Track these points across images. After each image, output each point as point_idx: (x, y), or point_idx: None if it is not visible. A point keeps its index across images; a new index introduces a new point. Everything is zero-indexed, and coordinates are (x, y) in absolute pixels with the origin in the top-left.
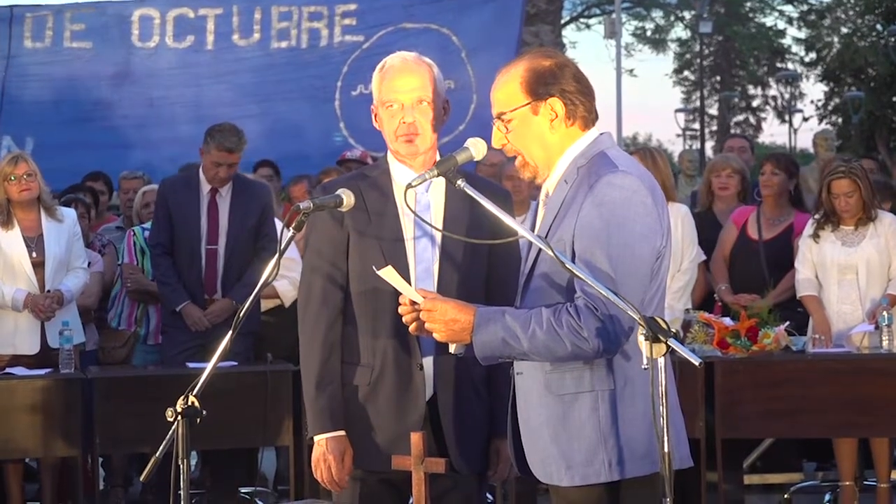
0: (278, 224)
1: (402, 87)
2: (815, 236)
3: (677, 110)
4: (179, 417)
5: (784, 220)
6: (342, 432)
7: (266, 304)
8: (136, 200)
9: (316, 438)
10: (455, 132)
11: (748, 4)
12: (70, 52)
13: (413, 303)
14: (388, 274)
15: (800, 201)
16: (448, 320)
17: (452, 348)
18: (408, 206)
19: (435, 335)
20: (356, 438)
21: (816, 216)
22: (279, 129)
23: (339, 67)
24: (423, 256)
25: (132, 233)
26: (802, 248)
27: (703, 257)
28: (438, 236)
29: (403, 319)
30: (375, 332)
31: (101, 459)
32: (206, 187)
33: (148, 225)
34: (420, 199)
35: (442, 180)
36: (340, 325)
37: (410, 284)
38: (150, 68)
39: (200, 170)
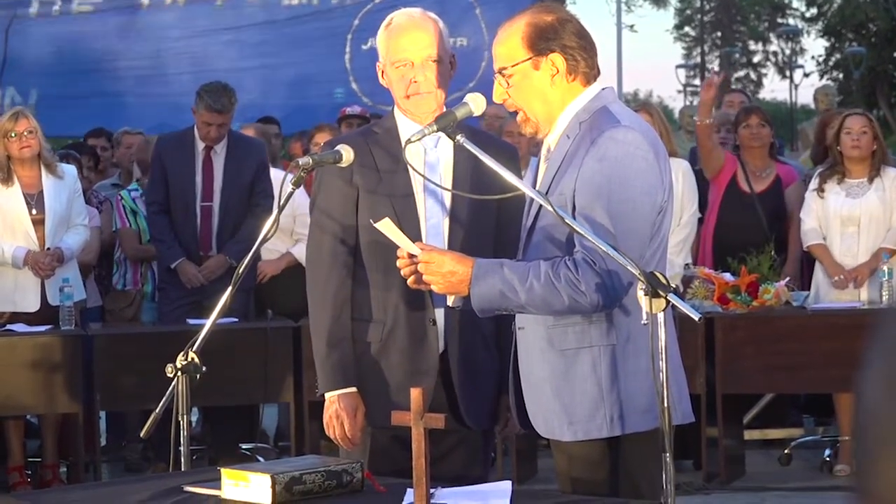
0: (276, 179)
1: (410, 45)
2: (820, 189)
3: (678, 66)
4: (179, 373)
5: (769, 172)
6: (354, 389)
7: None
8: (132, 156)
9: (328, 395)
10: (465, 88)
11: None
12: (76, 14)
13: (411, 255)
14: (386, 226)
15: (775, 152)
16: (446, 272)
17: (450, 300)
18: (407, 161)
19: (433, 287)
20: (368, 395)
21: (821, 169)
22: (285, 84)
23: (350, 21)
24: (433, 212)
25: (119, 197)
26: (808, 199)
27: (699, 215)
28: (448, 193)
29: (402, 272)
30: (387, 287)
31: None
32: (200, 144)
33: (132, 186)
34: (428, 155)
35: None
36: (350, 282)
37: (421, 240)
38: (156, 21)
39: (195, 127)
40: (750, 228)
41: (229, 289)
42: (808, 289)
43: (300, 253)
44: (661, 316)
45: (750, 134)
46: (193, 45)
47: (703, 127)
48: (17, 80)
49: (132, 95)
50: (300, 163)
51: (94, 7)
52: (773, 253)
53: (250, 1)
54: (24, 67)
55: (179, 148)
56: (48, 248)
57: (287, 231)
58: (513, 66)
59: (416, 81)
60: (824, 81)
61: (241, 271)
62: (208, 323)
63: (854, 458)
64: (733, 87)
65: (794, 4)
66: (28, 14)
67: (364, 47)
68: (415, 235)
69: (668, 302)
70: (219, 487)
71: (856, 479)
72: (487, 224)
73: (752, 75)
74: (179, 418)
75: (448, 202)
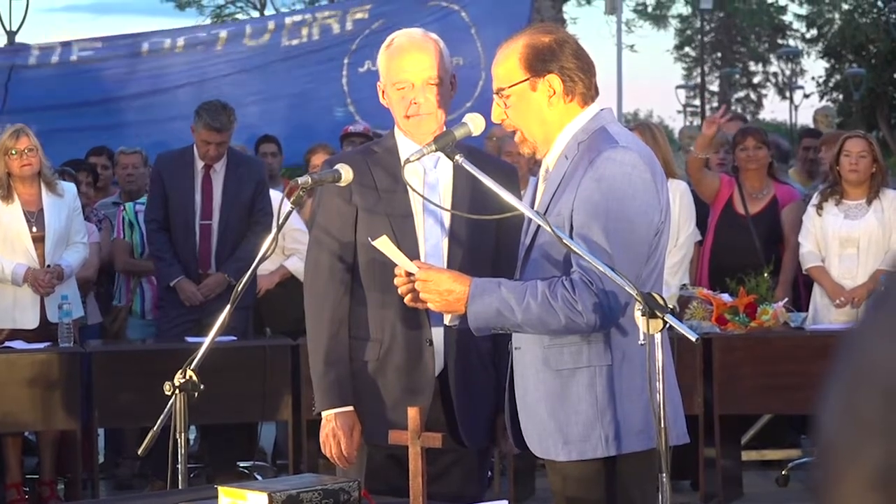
0: (275, 199)
1: (411, 66)
2: (819, 207)
3: (678, 86)
4: (177, 391)
5: (766, 192)
6: (350, 408)
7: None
8: (133, 177)
9: (324, 414)
10: (462, 109)
11: None
12: (75, 63)
13: (409, 273)
14: (383, 244)
15: (775, 172)
16: (443, 290)
17: (447, 319)
18: (406, 181)
19: (430, 305)
20: (365, 413)
21: (821, 187)
22: (283, 107)
23: (348, 45)
24: (432, 232)
25: (122, 208)
26: (805, 221)
27: (699, 237)
28: (447, 213)
29: (399, 290)
30: (384, 305)
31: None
32: (200, 163)
33: (141, 200)
34: (428, 175)
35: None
36: (348, 300)
37: (419, 260)
38: (157, 66)
39: (195, 146)
40: (744, 250)
41: (228, 307)
42: (802, 311)
43: (293, 266)
44: (657, 336)
45: (746, 156)
46: (193, 76)
47: (695, 160)
48: (15, 118)
49: (132, 125)
50: (300, 182)
51: (93, 54)
52: (766, 275)
53: (251, 45)
54: (23, 105)
55: (179, 166)
56: (48, 266)
57: (279, 247)
58: (510, 86)
59: (416, 103)
60: (824, 102)
61: (239, 289)
62: (207, 341)
63: (812, 486)
64: (733, 107)
65: (795, 25)
66: (27, 64)
67: (361, 70)
68: (413, 255)
69: (665, 323)
70: None
71: None
72: (486, 244)
73: (753, 96)
74: (177, 436)
75: (447, 222)
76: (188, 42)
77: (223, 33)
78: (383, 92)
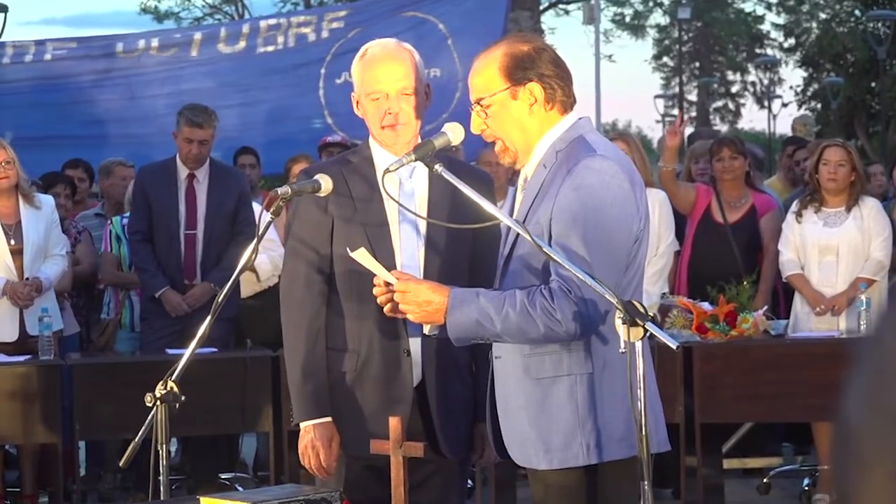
0: (256, 209)
1: (385, 76)
2: (798, 214)
3: (656, 96)
4: (158, 403)
5: (744, 201)
6: (329, 419)
7: (250, 289)
8: (128, 189)
9: (303, 425)
10: (439, 120)
11: None
12: (50, 63)
13: (388, 284)
14: (362, 256)
15: (752, 181)
16: (422, 301)
17: (426, 329)
18: (385, 190)
19: (409, 316)
20: (343, 424)
21: (800, 196)
22: (261, 118)
23: (324, 56)
24: (408, 242)
25: (109, 221)
26: (785, 229)
27: (678, 247)
28: (423, 222)
29: (378, 301)
30: (361, 316)
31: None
32: (182, 173)
33: (127, 214)
34: (404, 185)
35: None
36: (325, 311)
37: (396, 269)
38: (132, 69)
39: (177, 157)
40: (723, 259)
41: (208, 318)
42: (780, 318)
43: (259, 262)
44: (638, 345)
45: (722, 167)
46: (168, 83)
47: (667, 173)
48: None
49: (110, 137)
50: (279, 192)
51: (67, 54)
52: (746, 283)
53: (226, 52)
54: (0, 111)
55: (162, 177)
56: (26, 279)
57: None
58: (490, 96)
59: (391, 113)
60: (802, 111)
61: (220, 300)
62: (187, 352)
63: (834, 485)
64: (711, 117)
65: (773, 35)
66: (1, 63)
67: (338, 81)
68: (390, 264)
69: (646, 331)
70: None
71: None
72: (463, 253)
73: (731, 105)
74: (159, 447)
75: (423, 231)
76: (162, 43)
77: (198, 35)
78: (357, 102)
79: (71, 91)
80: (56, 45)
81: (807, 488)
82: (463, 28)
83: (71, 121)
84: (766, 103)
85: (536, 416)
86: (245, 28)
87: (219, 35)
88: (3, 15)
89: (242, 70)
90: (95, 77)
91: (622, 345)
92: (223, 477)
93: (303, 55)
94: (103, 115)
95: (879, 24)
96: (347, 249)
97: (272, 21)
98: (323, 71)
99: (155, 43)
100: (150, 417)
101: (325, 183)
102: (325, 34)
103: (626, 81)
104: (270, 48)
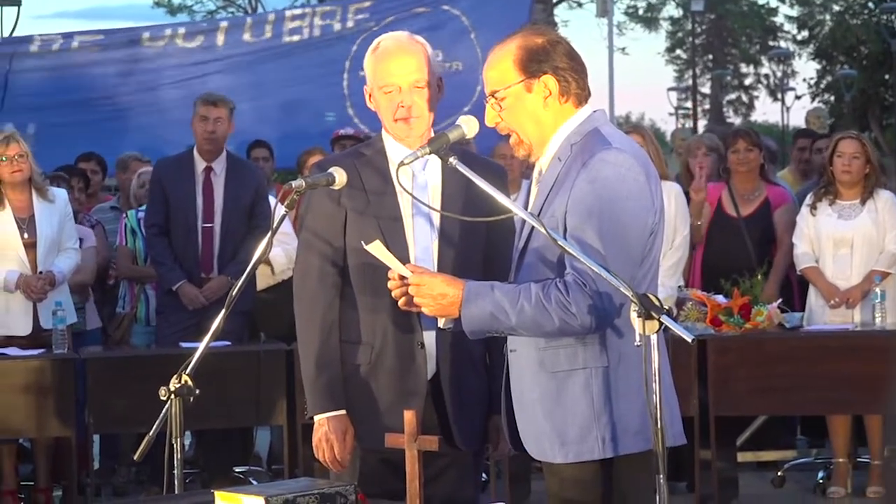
0: (272, 202)
1: (398, 70)
2: (813, 207)
3: (670, 89)
4: (173, 396)
5: (758, 194)
6: (343, 411)
7: (265, 282)
8: (132, 183)
9: (317, 418)
10: (460, 112)
11: None
12: (76, 51)
13: (402, 277)
14: (377, 248)
15: (766, 174)
16: (436, 294)
17: (441, 322)
18: (399, 183)
19: (424, 309)
20: (357, 417)
21: (816, 188)
22: (279, 110)
23: (349, 46)
24: (422, 235)
25: (125, 215)
26: (800, 222)
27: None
28: (436, 215)
29: (392, 294)
30: (375, 309)
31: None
32: (200, 166)
33: (143, 207)
34: (417, 177)
35: (439, 159)
36: (339, 303)
37: (410, 262)
38: (157, 62)
39: (194, 150)
40: (736, 252)
41: (222, 312)
42: (795, 311)
43: (274, 254)
44: (653, 338)
45: (737, 159)
46: (188, 73)
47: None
48: (14, 116)
49: (129, 129)
50: (293, 185)
51: (93, 44)
52: (759, 276)
53: (251, 42)
54: (22, 102)
55: (179, 170)
56: (40, 272)
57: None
58: (505, 88)
59: (403, 106)
60: (816, 104)
61: (234, 293)
62: (201, 346)
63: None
64: (724, 109)
65: (786, 27)
66: (28, 52)
67: (362, 73)
68: (403, 257)
69: (661, 324)
70: None
71: None
72: (476, 246)
73: (744, 98)
74: (173, 441)
75: (437, 224)
76: (188, 31)
77: (224, 23)
78: (370, 95)
79: (94, 81)
80: (83, 37)
81: (821, 481)
82: (486, 22)
83: (93, 111)
84: (779, 96)
85: (552, 410)
86: (271, 17)
87: (244, 26)
88: (16, 8)
89: (265, 55)
90: (120, 66)
91: (637, 338)
92: (237, 470)
93: (328, 46)
94: (125, 108)
95: (893, 17)
96: (362, 242)
97: (297, 11)
98: (348, 63)
99: (181, 31)
100: (164, 411)
101: (340, 176)
102: (350, 24)
103: (639, 74)
104: (296, 38)
